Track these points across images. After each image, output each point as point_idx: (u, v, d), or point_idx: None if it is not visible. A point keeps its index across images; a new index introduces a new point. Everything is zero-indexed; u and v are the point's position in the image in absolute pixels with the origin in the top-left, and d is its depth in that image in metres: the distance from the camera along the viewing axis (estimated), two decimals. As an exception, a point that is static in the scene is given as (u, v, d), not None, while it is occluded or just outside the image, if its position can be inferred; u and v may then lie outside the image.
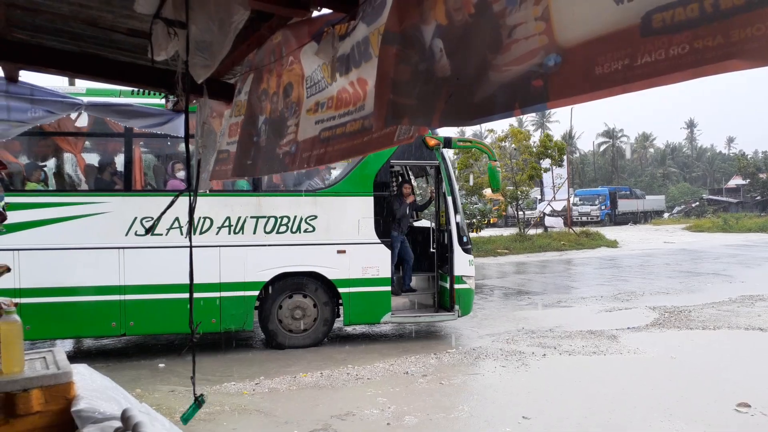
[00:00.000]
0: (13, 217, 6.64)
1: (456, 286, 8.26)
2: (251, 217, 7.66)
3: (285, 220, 7.77)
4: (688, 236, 30.49)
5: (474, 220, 22.51)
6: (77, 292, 7.10)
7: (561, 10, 0.96)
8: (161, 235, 7.18)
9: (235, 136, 2.48)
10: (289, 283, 7.86)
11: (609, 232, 29.66)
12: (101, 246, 7.14)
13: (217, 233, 7.52)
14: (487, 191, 23.02)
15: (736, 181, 58.46)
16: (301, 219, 7.80)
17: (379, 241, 8.02)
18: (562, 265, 18.98)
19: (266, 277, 7.72)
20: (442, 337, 8.53)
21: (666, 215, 51.00)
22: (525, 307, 10.91)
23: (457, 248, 8.32)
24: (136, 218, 7.25)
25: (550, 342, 7.87)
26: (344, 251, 7.92)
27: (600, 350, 7.41)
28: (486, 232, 26.07)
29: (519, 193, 23.93)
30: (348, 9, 1.85)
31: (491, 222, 27.77)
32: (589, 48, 0.92)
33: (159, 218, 2.85)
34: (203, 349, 7.90)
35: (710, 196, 54.86)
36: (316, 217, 7.84)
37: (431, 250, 8.80)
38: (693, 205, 52.03)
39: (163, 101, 4.57)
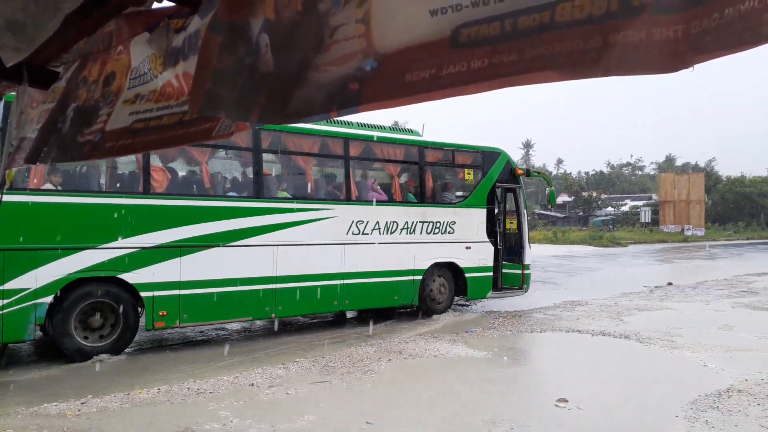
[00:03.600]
0: (273, 219, 8.69)
1: (525, 272, 11.76)
2: (420, 221, 10.36)
3: (438, 225, 10.61)
4: (522, 247, 33.20)
5: None
6: (313, 278, 9.07)
7: (380, 15, 0.99)
8: (368, 234, 9.67)
9: (42, 122, 2.25)
10: (433, 269, 10.66)
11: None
12: (331, 242, 9.27)
13: (399, 233, 10.10)
14: None
15: (562, 198, 65.07)
16: (447, 224, 10.72)
17: (487, 240, 11.29)
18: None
19: (426, 265, 10.52)
20: (289, 344, 8.42)
21: (504, 228, 55.15)
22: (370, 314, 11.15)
23: (526, 245, 11.81)
24: (352, 221, 9.51)
25: (396, 347, 8.11)
26: (470, 247, 11.04)
27: (441, 353, 7.78)
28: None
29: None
30: (191, 3, 1.76)
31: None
32: (404, 55, 0.96)
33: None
34: (20, 365, 7.07)
35: (541, 211, 60.46)
36: (455, 222, 10.82)
37: (499, 246, 11.85)
38: (527, 218, 56.91)
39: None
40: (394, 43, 0.97)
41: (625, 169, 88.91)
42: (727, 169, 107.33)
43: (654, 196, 59.59)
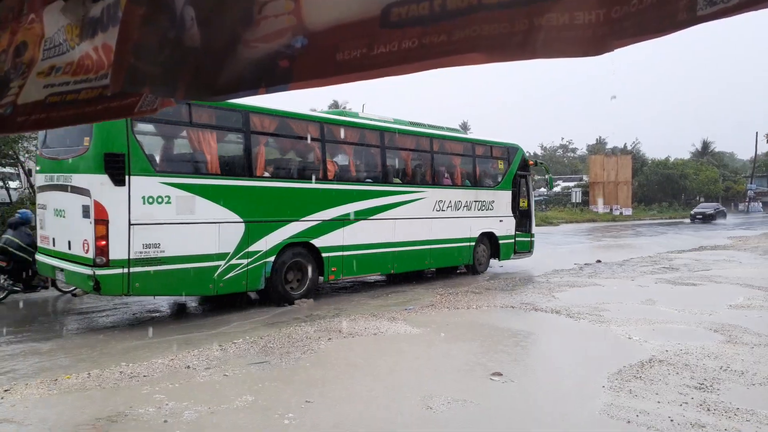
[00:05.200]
0: (393, 199, 11.62)
1: (532, 239, 15.66)
2: (474, 201, 13.71)
3: (484, 203, 13.99)
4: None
5: None
6: (413, 243, 12.11)
7: None
8: (444, 210, 12.84)
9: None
10: (480, 237, 13.94)
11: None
12: (423, 217, 12.32)
13: (462, 210, 13.35)
14: None
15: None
16: (489, 202, 14.14)
17: (511, 215, 14.83)
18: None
19: (477, 234, 13.83)
20: (223, 324, 8.31)
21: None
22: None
23: (533, 218, 15.82)
24: (436, 201, 12.63)
25: (335, 326, 8.13)
26: (502, 220, 14.49)
27: (380, 331, 7.87)
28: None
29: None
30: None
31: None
32: (334, 33, 0.94)
33: None
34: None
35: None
36: (494, 201, 14.28)
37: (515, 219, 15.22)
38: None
39: None
40: (324, 20, 0.95)
41: (558, 151, 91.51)
42: (653, 151, 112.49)
43: (585, 178, 61.75)
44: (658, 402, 5.24)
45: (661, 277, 13.43)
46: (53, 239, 8.80)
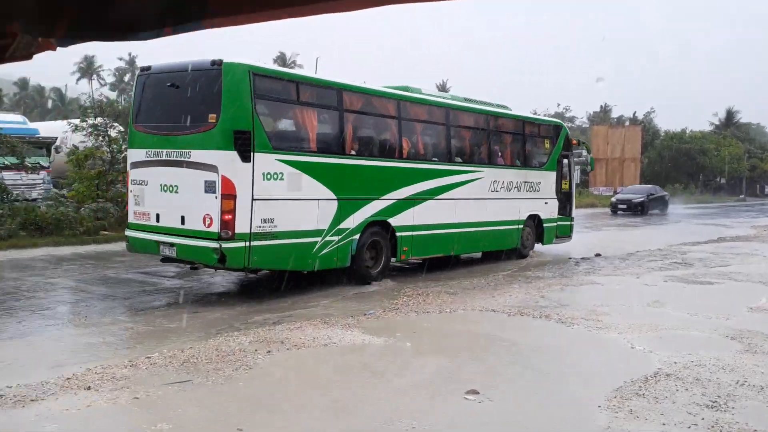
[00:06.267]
0: (455, 179, 13.69)
1: (572, 223, 18.12)
2: (523, 181, 15.86)
3: (532, 184, 16.18)
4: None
5: None
6: (471, 225, 14.19)
7: None
8: (498, 191, 14.94)
9: None
10: (525, 220, 16.11)
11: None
12: (480, 197, 14.41)
13: (513, 191, 15.47)
14: None
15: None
16: (536, 183, 16.34)
17: (555, 197, 17.10)
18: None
19: (524, 216, 16.03)
20: (140, 338, 8.20)
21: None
22: (257, 294, 11.08)
23: (574, 200, 18.38)
24: (491, 181, 14.75)
25: (277, 335, 8.08)
26: (547, 203, 16.71)
27: (332, 342, 7.86)
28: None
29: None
30: None
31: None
32: None
33: None
34: None
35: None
36: (540, 182, 16.51)
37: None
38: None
39: None
40: None
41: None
42: (668, 122, 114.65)
43: (584, 153, 62.71)
44: (663, 424, 5.41)
45: (671, 275, 13.80)
46: (156, 215, 10.33)
